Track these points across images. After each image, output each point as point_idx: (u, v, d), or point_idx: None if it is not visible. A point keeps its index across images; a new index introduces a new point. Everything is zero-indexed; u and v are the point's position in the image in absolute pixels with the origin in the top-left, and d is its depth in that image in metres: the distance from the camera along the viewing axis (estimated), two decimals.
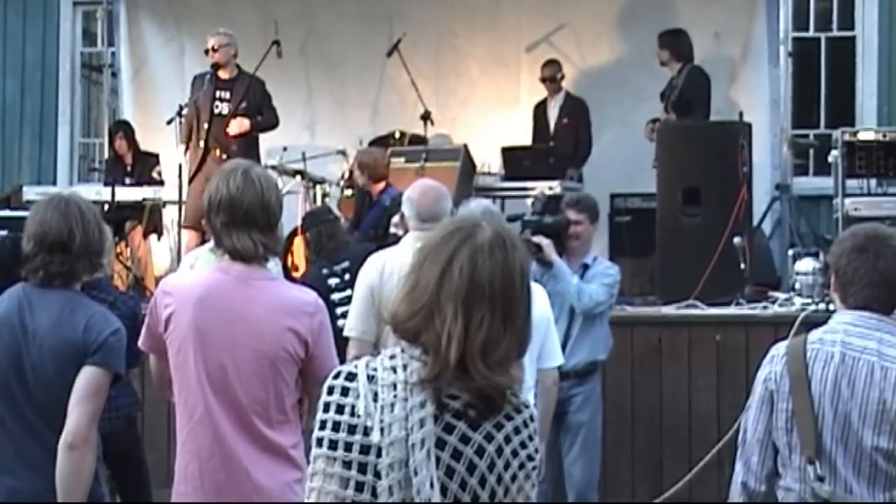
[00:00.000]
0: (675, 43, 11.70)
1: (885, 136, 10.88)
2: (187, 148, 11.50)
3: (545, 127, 12.78)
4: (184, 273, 7.07)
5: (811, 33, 14.16)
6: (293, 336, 4.45)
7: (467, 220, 3.08)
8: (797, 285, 9.47)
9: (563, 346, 7.72)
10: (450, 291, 2.93)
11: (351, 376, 3.01)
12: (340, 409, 2.97)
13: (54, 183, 14.56)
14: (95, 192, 11.77)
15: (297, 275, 10.02)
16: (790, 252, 10.24)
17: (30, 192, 12.38)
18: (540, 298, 6.75)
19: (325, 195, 12.10)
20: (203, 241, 11.03)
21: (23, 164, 15.28)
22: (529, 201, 11.14)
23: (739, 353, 8.90)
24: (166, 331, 4.51)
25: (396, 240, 6.65)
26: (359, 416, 2.95)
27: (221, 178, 4.58)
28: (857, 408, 4.14)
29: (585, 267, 8.03)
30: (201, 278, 4.70)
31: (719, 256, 9.71)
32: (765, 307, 9.44)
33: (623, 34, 13.26)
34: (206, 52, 11.42)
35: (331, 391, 3.01)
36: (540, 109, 12.91)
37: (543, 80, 12.78)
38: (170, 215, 12.10)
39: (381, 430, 2.92)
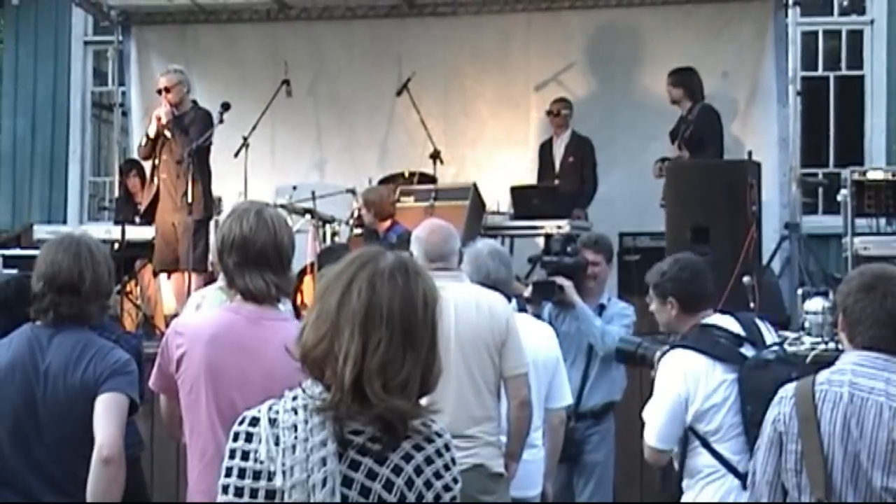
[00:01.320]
0: (689, 81, 11.72)
1: (894, 175, 10.87)
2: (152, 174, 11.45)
3: (550, 165, 12.81)
4: (191, 313, 7.07)
5: (820, 72, 14.23)
6: (304, 377, 4.44)
7: (370, 250, 3.08)
8: (806, 324, 9.45)
9: (581, 388, 7.74)
10: (348, 314, 2.92)
11: (254, 421, 3.00)
12: (245, 456, 2.96)
13: (64, 221, 14.64)
14: (105, 230, 11.80)
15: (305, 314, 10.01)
16: (799, 291, 10.21)
17: (40, 231, 12.42)
18: (547, 338, 6.77)
19: (334, 234, 12.12)
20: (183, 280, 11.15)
21: (33, 203, 15.36)
22: (542, 241, 11.22)
23: None
24: (178, 371, 4.50)
25: None
26: (262, 462, 2.93)
27: (234, 219, 4.57)
28: (866, 448, 4.14)
29: (602, 307, 8.05)
30: (213, 318, 4.68)
31: (728, 295, 9.67)
32: None
33: (631, 73, 13.29)
34: (159, 92, 11.29)
35: (236, 437, 3.00)
36: (546, 148, 12.94)
37: (549, 113, 12.82)
38: None
39: (284, 473, 2.90)
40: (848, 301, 4.32)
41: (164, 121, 10.96)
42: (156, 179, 11.13)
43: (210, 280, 9.52)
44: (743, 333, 5.58)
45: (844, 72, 14.31)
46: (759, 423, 5.14)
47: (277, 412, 2.98)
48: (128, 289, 11.78)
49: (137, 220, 11.94)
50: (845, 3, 14.59)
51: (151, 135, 11.07)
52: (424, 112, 12.90)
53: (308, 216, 11.99)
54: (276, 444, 2.92)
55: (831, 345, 8.72)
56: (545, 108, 12.96)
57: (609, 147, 12.80)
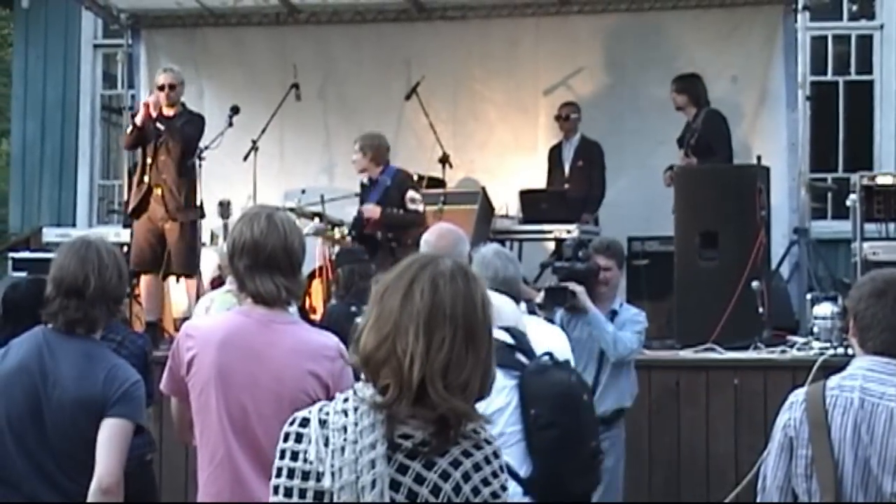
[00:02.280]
0: (692, 88, 11.71)
1: None
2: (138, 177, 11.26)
3: (560, 170, 12.81)
4: (200, 316, 7.09)
5: (829, 77, 14.22)
6: (314, 380, 4.44)
7: (427, 254, 3.14)
8: (815, 329, 9.45)
9: (592, 393, 7.74)
10: (411, 314, 2.94)
11: (305, 422, 3.02)
12: (294, 456, 2.99)
13: (73, 225, 14.65)
14: (114, 233, 11.80)
15: (315, 317, 10.02)
16: (808, 296, 10.22)
17: (49, 234, 12.44)
18: (558, 340, 6.76)
19: (343, 237, 12.12)
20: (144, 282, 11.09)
21: (42, 206, 15.38)
22: (551, 245, 11.21)
23: (757, 397, 8.88)
24: (188, 373, 4.51)
25: None
26: (311, 462, 2.95)
27: (245, 222, 4.59)
28: (876, 454, 4.14)
29: (614, 313, 8.06)
30: (223, 321, 4.70)
31: (737, 300, 9.69)
32: (783, 351, 9.41)
33: (640, 78, 13.27)
34: (161, 88, 11.05)
35: (286, 438, 3.03)
36: (555, 152, 12.93)
37: (557, 118, 12.83)
38: None
39: (332, 474, 2.92)
40: (859, 306, 4.32)
41: (152, 111, 10.81)
42: (146, 178, 10.94)
43: (219, 283, 9.53)
44: (513, 342, 5.62)
45: (854, 76, 14.30)
46: (545, 426, 5.19)
47: (328, 413, 3.00)
48: (136, 292, 11.78)
49: None
50: (855, 8, 14.58)
51: (139, 123, 10.89)
52: (433, 116, 12.90)
53: (317, 220, 12.00)
54: (326, 445, 2.95)
55: (840, 350, 8.73)
56: (554, 113, 12.96)
57: (618, 151, 12.78)
